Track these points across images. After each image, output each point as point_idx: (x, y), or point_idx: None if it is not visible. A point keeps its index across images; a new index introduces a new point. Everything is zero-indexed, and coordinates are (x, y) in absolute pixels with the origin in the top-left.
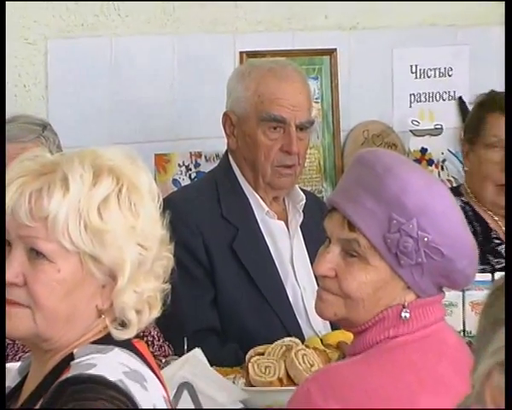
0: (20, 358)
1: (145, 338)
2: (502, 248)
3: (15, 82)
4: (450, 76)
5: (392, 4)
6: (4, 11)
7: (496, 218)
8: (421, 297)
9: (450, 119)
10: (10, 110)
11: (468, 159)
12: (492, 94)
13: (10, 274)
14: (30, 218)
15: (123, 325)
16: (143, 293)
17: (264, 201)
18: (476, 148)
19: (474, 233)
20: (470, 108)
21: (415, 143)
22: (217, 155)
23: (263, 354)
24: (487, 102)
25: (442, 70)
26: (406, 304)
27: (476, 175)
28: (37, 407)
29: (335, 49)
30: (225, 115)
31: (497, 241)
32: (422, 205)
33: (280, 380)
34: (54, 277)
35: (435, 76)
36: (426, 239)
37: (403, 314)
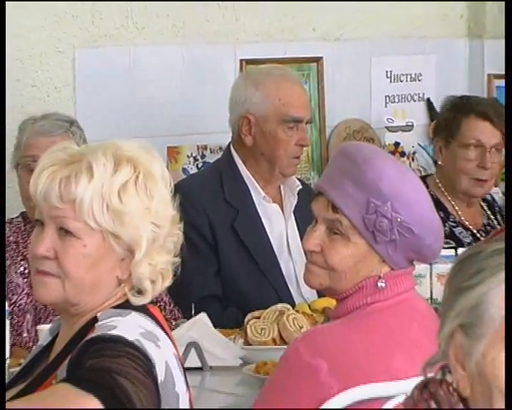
0: (50, 320)
1: (158, 304)
2: (456, 230)
3: (48, 85)
4: (419, 80)
5: (370, 19)
6: (4, 11)
7: (455, 206)
8: (394, 269)
9: (419, 117)
10: (43, 109)
11: (442, 154)
12: (466, 98)
13: (43, 249)
14: (60, 201)
15: (139, 292)
16: (157, 265)
17: (263, 188)
18: (451, 146)
19: None
20: (437, 107)
21: (389, 138)
22: (220, 148)
23: (259, 317)
24: (461, 106)
25: (413, 75)
26: (382, 275)
27: (450, 169)
28: (66, 362)
29: (322, 57)
30: (243, 118)
31: (454, 223)
32: (396, 190)
33: (273, 340)
34: (80, 251)
35: (407, 80)
36: (399, 219)
37: (379, 284)
